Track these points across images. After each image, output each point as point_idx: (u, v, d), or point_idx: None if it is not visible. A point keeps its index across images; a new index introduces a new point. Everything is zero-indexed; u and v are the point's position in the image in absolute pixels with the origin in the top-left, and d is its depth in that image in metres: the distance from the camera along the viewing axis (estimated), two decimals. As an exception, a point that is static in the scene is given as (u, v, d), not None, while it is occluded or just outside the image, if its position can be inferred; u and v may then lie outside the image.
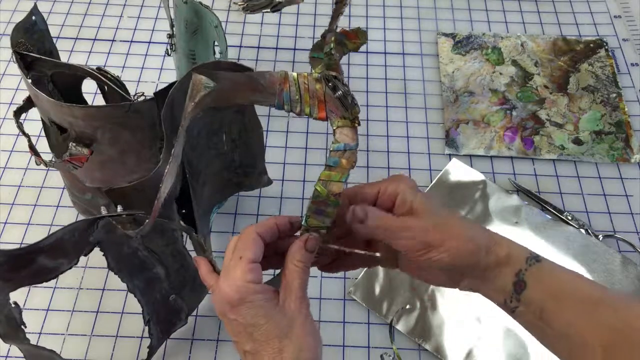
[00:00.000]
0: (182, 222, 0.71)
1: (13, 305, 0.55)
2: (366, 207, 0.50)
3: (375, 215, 0.49)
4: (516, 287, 0.49)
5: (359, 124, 0.51)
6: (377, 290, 0.76)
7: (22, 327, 0.57)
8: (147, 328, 0.65)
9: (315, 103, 0.51)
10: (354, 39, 0.55)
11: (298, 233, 0.52)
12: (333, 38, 0.51)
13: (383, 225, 0.49)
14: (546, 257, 0.50)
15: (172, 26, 0.84)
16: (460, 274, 0.50)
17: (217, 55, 0.81)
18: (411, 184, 0.51)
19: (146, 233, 0.57)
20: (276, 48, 1.03)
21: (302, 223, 0.50)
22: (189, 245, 0.67)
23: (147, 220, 0.55)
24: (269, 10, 0.94)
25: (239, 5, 0.76)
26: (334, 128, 0.50)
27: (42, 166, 0.72)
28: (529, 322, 0.50)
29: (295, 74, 0.51)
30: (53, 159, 0.71)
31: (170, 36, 0.85)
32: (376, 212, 0.50)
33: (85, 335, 0.73)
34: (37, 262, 0.53)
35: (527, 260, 0.49)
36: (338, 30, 0.54)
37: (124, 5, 1.08)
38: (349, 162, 0.50)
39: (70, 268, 0.56)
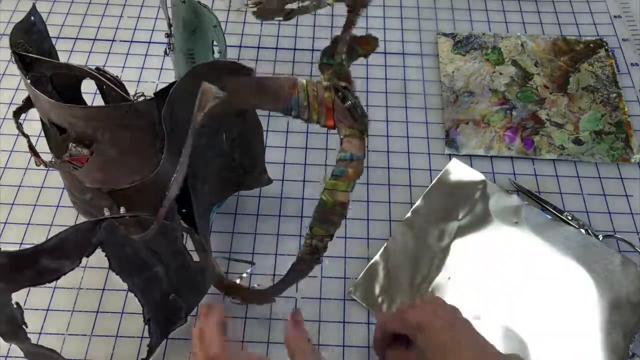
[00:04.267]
0: (182, 222, 0.71)
1: (15, 306, 0.55)
2: None
3: None
4: None
5: (367, 136, 0.50)
6: (377, 290, 0.76)
7: (24, 327, 0.57)
8: (147, 327, 0.65)
9: (323, 111, 0.50)
10: (365, 46, 0.54)
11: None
12: (345, 48, 0.51)
13: None
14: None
15: (170, 25, 0.84)
16: None
17: (217, 55, 0.81)
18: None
19: (150, 238, 0.57)
20: (276, 48, 1.03)
21: (307, 232, 0.50)
22: (189, 245, 0.67)
23: (152, 225, 0.55)
24: (281, 18, 0.93)
25: (249, 7, 0.75)
26: (342, 137, 0.50)
27: (42, 166, 0.72)
28: None
29: (304, 81, 0.50)
30: (53, 160, 0.71)
31: (169, 35, 0.85)
32: None
33: (85, 335, 0.73)
34: (39, 264, 0.53)
35: None
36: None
37: (124, 5, 1.08)
38: (355, 172, 0.49)
39: (72, 269, 0.56)
